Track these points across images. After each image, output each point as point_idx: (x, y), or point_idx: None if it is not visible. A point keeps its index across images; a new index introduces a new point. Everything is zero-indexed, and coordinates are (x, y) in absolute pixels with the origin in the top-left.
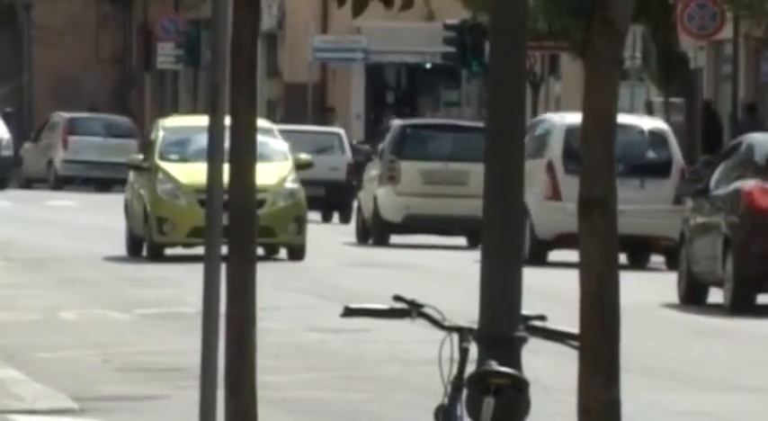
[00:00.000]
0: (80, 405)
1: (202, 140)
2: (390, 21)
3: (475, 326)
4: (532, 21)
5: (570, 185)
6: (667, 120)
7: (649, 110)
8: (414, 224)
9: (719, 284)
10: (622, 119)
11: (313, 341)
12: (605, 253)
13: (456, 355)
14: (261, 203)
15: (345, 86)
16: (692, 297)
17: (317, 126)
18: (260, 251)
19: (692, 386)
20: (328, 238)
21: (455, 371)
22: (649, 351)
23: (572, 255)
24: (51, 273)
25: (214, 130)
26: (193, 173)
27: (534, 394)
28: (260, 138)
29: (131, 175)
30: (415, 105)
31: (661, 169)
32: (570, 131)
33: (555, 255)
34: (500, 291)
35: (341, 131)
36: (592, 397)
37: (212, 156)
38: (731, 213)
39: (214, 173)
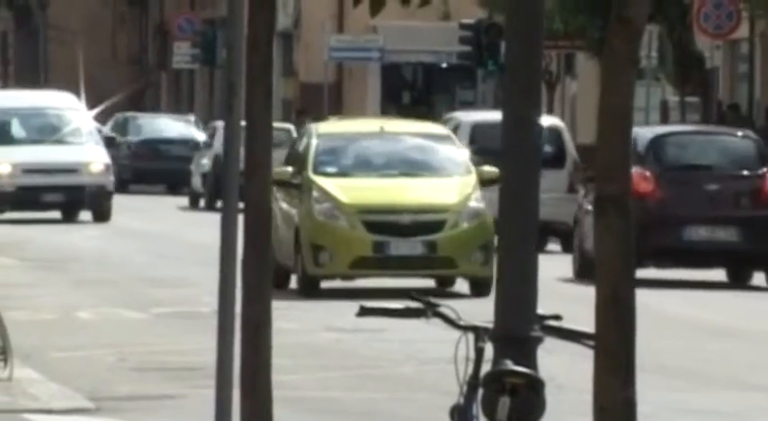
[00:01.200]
0: (96, 404)
1: (367, 150)
2: (406, 20)
3: (490, 325)
4: (548, 20)
5: None
6: (683, 119)
7: (665, 109)
8: None
9: None
10: None
11: (328, 340)
12: (621, 252)
13: (472, 355)
14: (438, 227)
15: (361, 86)
16: (585, 272)
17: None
18: (430, 282)
19: (705, 385)
20: None
21: (471, 370)
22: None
23: None
24: (67, 273)
25: (230, 130)
26: (357, 190)
27: (549, 393)
28: (436, 146)
29: (276, 193)
30: (431, 105)
31: (557, 161)
32: (476, 128)
33: None
34: (515, 291)
35: None
36: (607, 396)
37: (228, 156)
38: None
39: (230, 173)
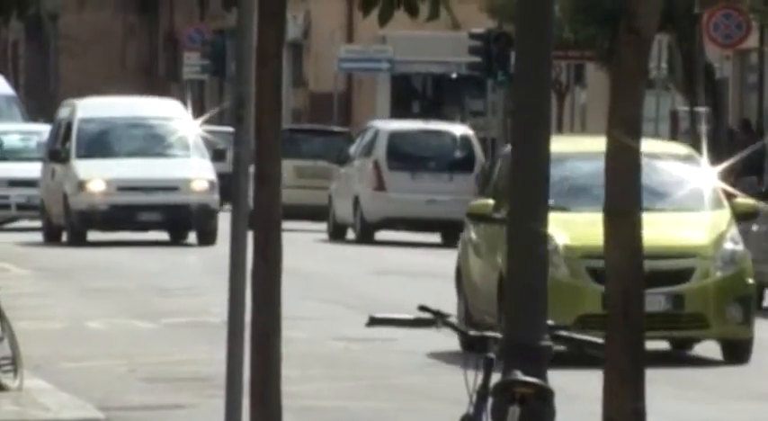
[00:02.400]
0: (106, 414)
1: (587, 176)
2: (416, 30)
3: (500, 335)
4: (558, 30)
5: (392, 180)
6: (693, 129)
7: (674, 119)
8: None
9: None
10: (437, 126)
11: (338, 350)
12: (630, 264)
13: (481, 365)
14: (686, 275)
15: (371, 96)
16: None
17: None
18: (663, 344)
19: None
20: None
21: (480, 380)
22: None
23: (395, 236)
24: (77, 283)
25: (239, 141)
26: (578, 227)
27: (559, 403)
28: (678, 170)
29: (472, 230)
30: (441, 115)
31: (467, 166)
32: (393, 136)
33: (380, 235)
34: (525, 302)
35: None
36: (617, 407)
37: (238, 166)
38: None
39: (241, 182)
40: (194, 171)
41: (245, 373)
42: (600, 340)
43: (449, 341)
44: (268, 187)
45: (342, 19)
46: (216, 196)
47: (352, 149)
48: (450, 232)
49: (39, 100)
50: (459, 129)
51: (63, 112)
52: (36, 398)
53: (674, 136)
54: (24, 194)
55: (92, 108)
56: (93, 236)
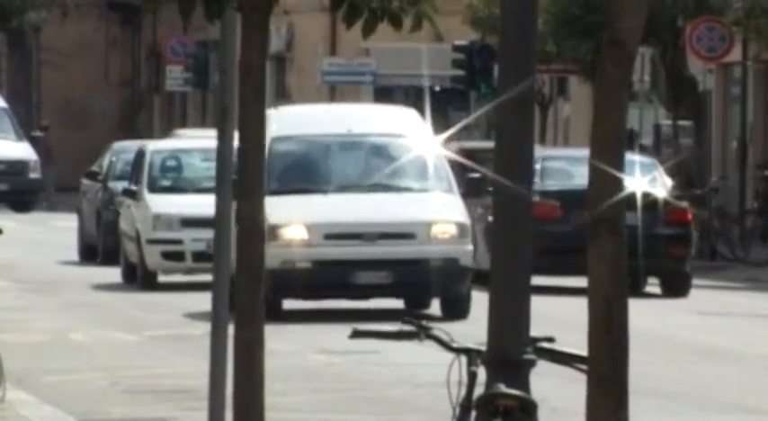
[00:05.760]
0: None
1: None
2: (399, 42)
3: (483, 348)
4: (541, 43)
5: None
6: (676, 142)
7: (657, 132)
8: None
9: None
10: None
11: (321, 363)
12: (613, 275)
13: (464, 377)
14: None
15: None
16: None
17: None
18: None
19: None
20: None
21: (464, 392)
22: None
23: None
24: (60, 295)
25: (222, 154)
26: None
27: (542, 416)
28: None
29: None
30: None
31: None
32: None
33: None
34: (508, 314)
35: None
36: (600, 419)
37: (221, 179)
38: None
39: (223, 196)
40: (437, 210)
41: (227, 386)
42: (583, 353)
43: (432, 353)
44: (251, 200)
45: (325, 31)
46: (469, 247)
47: None
48: None
49: (21, 112)
50: None
51: None
52: (18, 411)
53: (657, 149)
54: (202, 238)
55: (289, 121)
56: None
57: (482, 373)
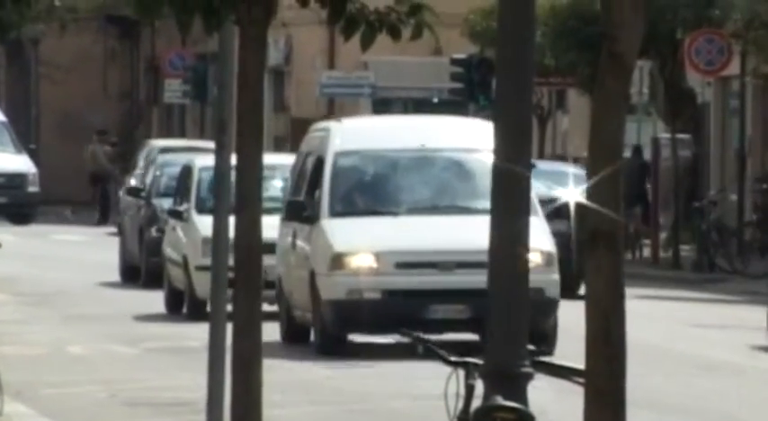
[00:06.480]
0: None
1: None
2: (398, 55)
3: (481, 361)
4: (539, 56)
5: None
6: (674, 155)
7: (656, 145)
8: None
9: None
10: None
11: (318, 376)
12: (611, 289)
13: (462, 390)
14: None
15: None
16: None
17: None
18: None
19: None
20: None
21: (461, 405)
22: None
23: None
24: (58, 308)
25: (220, 167)
26: None
27: None
28: None
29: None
30: None
31: None
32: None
33: None
34: (505, 328)
35: None
36: None
37: (219, 192)
38: None
39: (221, 211)
40: None
41: (225, 398)
42: (581, 367)
43: (430, 366)
44: (248, 212)
45: (323, 44)
46: (555, 276)
47: None
48: None
49: (20, 126)
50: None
51: (310, 142)
52: None
53: (655, 162)
54: None
55: (354, 134)
56: None
57: (480, 386)
